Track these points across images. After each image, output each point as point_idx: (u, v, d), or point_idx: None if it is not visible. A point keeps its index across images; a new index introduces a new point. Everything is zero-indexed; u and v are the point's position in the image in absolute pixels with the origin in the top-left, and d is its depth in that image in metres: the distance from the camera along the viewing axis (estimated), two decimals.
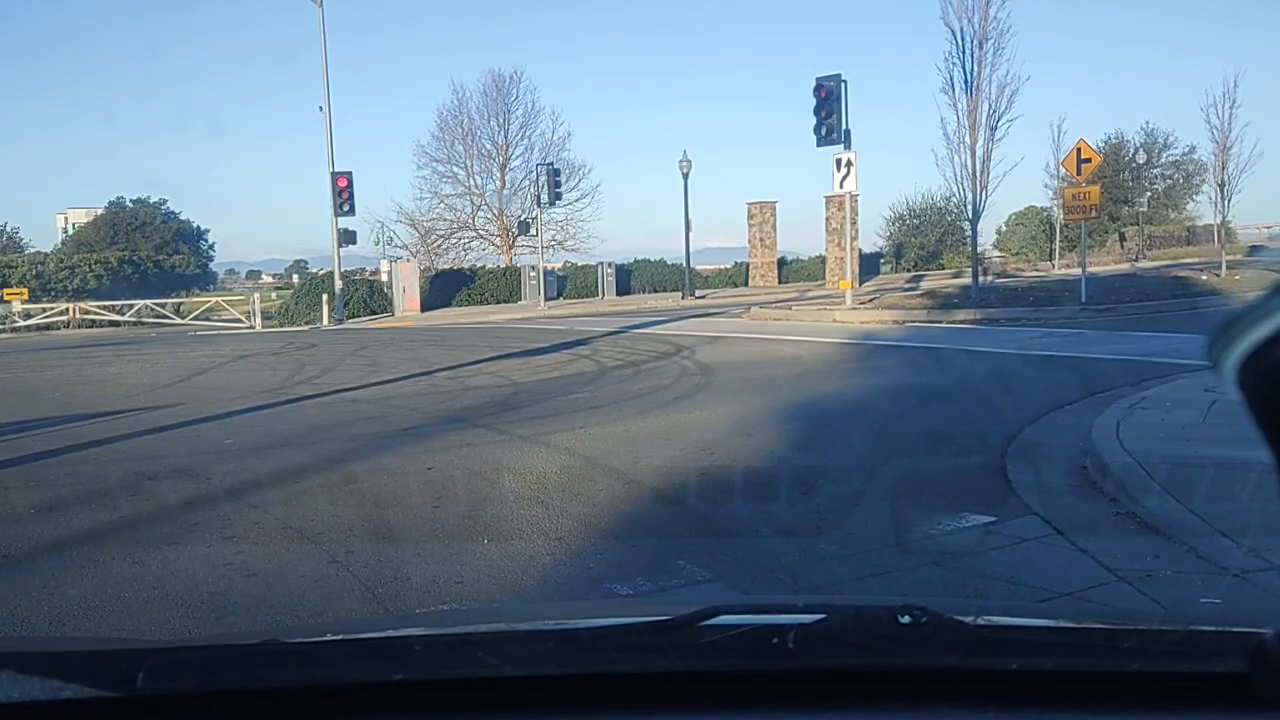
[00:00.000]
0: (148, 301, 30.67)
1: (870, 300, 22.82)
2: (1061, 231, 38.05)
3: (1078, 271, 20.93)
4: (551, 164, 31.43)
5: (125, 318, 29.62)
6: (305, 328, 26.48)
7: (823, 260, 36.59)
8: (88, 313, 29.43)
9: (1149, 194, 47.21)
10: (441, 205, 39.55)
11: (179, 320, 29.92)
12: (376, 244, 31.68)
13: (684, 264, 32.80)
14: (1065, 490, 5.55)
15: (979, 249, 24.56)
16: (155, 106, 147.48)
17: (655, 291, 35.40)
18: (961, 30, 19.21)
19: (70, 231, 60.32)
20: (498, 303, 32.53)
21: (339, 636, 1.50)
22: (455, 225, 39.76)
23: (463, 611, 3.53)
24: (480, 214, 39.89)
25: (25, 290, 30.87)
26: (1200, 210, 49.42)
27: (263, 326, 27.83)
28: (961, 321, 17.89)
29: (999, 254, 45.94)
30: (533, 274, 32.01)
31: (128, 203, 54.25)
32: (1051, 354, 12.33)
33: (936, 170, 44.09)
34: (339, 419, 8.93)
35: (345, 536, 4.88)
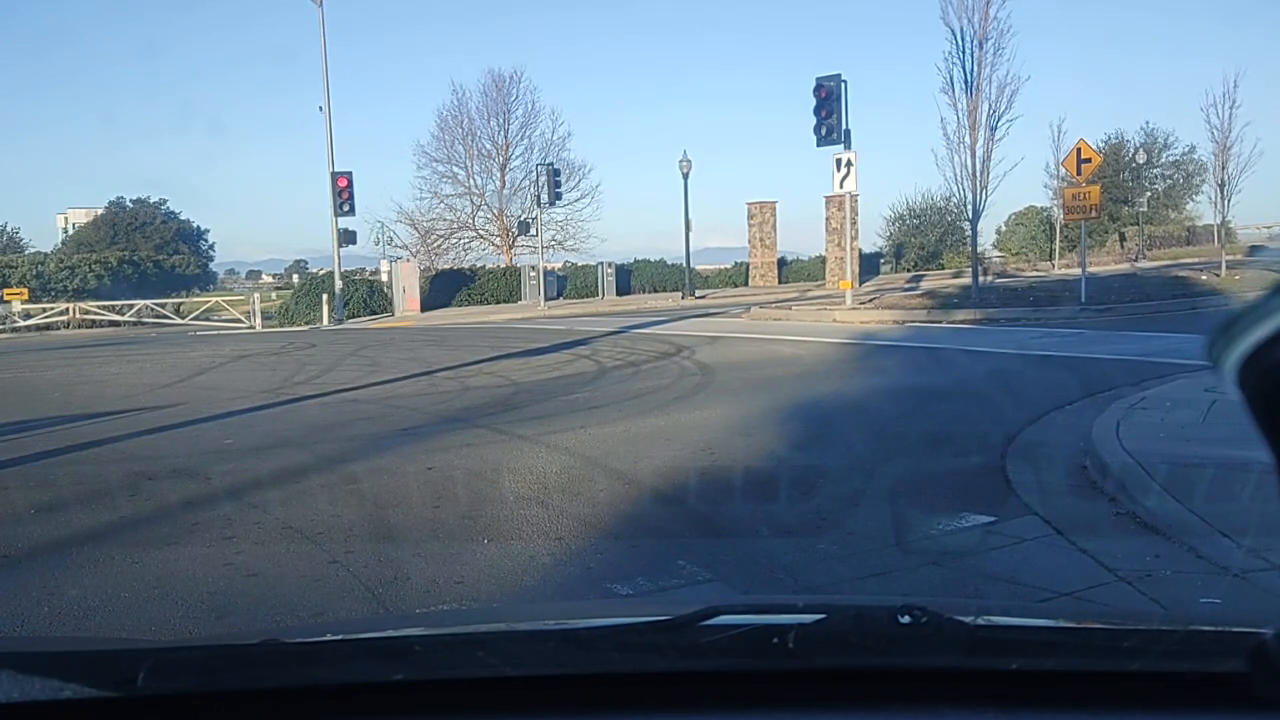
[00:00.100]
0: (148, 301, 30.68)
1: (870, 300, 22.82)
2: (1061, 231, 38.06)
3: (1078, 271, 20.93)
4: (551, 164, 31.44)
5: (125, 318, 29.63)
6: (305, 328, 26.48)
7: (823, 260, 36.59)
8: (88, 313, 29.43)
9: (1149, 194, 47.21)
10: (441, 205, 39.62)
11: (179, 320, 29.93)
12: (376, 244, 31.72)
13: (684, 264, 32.80)
14: (1065, 490, 5.55)
15: (979, 249, 24.56)
16: (155, 106, 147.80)
17: (655, 291, 35.40)
18: (961, 30, 19.24)
19: (70, 231, 60.34)
20: (498, 303, 32.53)
21: (339, 636, 1.50)
22: (455, 225, 39.80)
23: (463, 611, 3.53)
24: (480, 214, 39.96)
25: (25, 290, 30.88)
26: (1200, 210, 49.50)
27: (263, 326, 27.83)
28: (961, 321, 17.89)
29: (999, 254, 45.95)
30: (533, 274, 32.01)
31: (128, 203, 54.26)
32: (1051, 354, 12.33)
33: (936, 170, 44.13)
34: (339, 419, 8.93)
35: (345, 536, 4.88)
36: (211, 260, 54.96)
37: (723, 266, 42.22)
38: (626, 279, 36.30)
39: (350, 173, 27.91)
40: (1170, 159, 49.94)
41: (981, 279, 23.04)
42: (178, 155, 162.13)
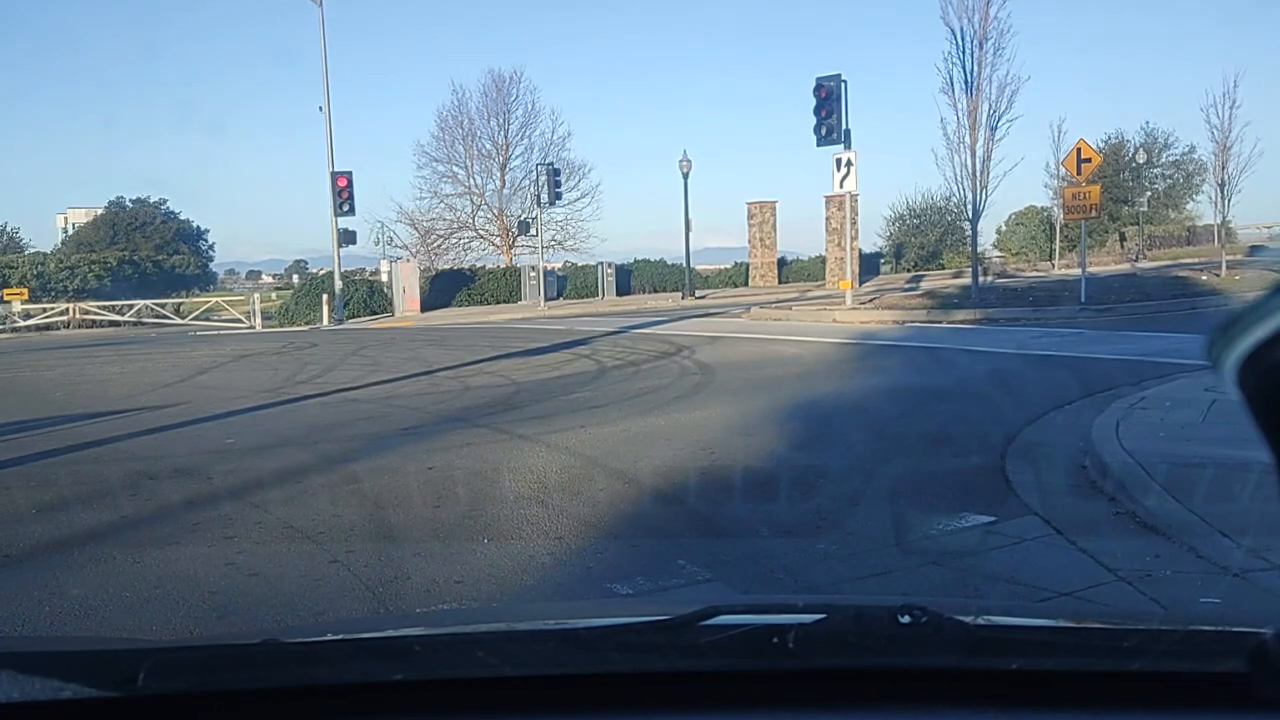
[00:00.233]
0: (148, 301, 30.69)
1: (870, 300, 22.83)
2: (1061, 231, 38.06)
3: (1077, 271, 20.93)
4: (551, 164, 31.44)
5: (125, 318, 29.64)
6: (305, 328, 26.49)
7: (823, 260, 36.58)
8: (88, 313, 29.44)
9: (1149, 194, 47.18)
10: (441, 205, 39.61)
11: (179, 320, 29.93)
12: (376, 244, 31.72)
13: (684, 264, 32.80)
14: (1065, 490, 5.55)
15: (979, 249, 24.57)
16: (155, 106, 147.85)
17: (655, 291, 35.41)
18: (961, 30, 19.24)
19: (70, 231, 60.31)
20: (498, 303, 32.54)
21: (339, 636, 1.50)
22: (455, 225, 39.79)
23: (463, 611, 3.53)
24: (480, 214, 39.94)
25: (25, 290, 30.89)
26: (1200, 210, 49.48)
27: (263, 326, 27.84)
28: (961, 321, 17.89)
29: (999, 254, 45.93)
30: (533, 274, 32.01)
31: (128, 203, 54.24)
32: (1051, 354, 12.32)
33: (936, 170, 44.18)
34: (340, 419, 8.94)
35: (346, 536, 4.88)
36: (211, 260, 54.99)
37: (723, 266, 42.22)
38: (626, 279, 36.30)
39: (350, 173, 27.95)
40: (1170, 159, 49.99)
41: (981, 279, 23.04)
42: (178, 155, 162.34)
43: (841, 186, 20.86)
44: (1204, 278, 24.00)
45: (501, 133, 39.33)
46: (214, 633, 3.63)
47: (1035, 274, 34.41)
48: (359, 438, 7.86)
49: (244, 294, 42.11)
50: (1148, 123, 57.13)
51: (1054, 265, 37.58)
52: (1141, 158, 46.67)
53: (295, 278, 56.55)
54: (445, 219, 39.69)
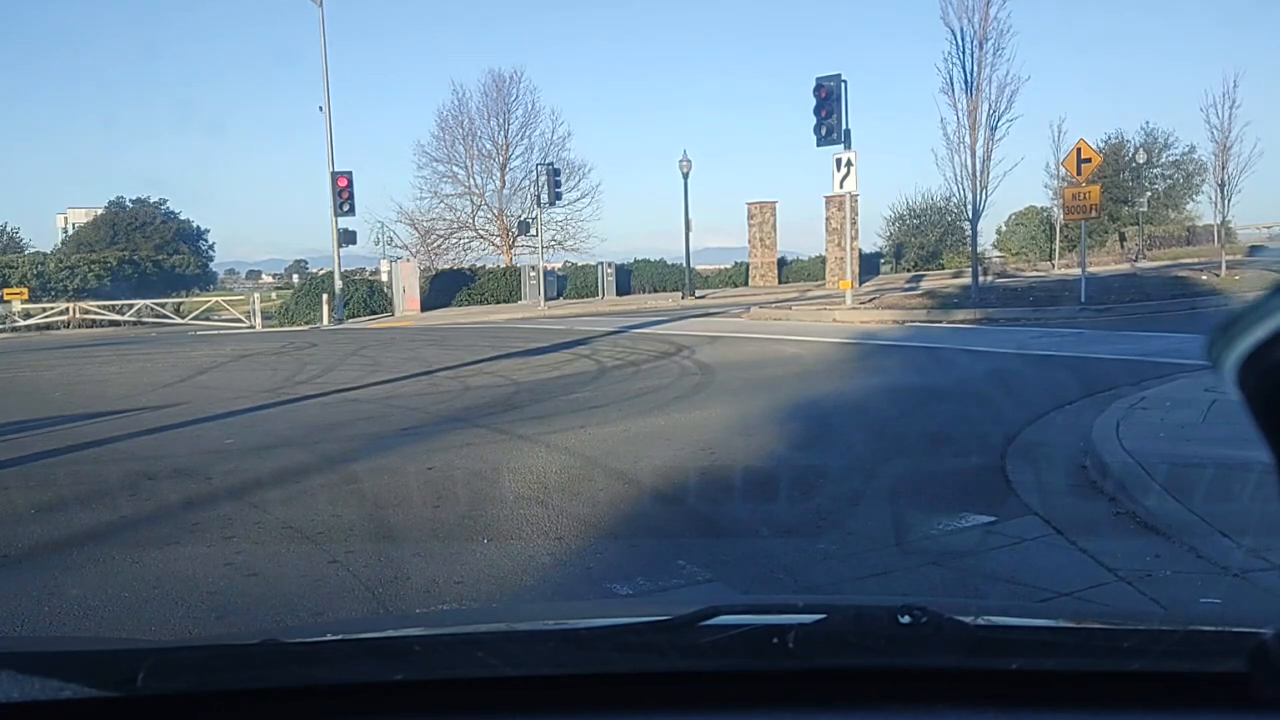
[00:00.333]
0: (148, 301, 30.69)
1: (870, 300, 22.83)
2: (1061, 231, 38.06)
3: (1077, 271, 20.93)
4: (551, 164, 31.45)
5: (125, 318, 29.64)
6: (305, 328, 26.49)
7: (823, 260, 36.59)
8: (88, 312, 29.44)
9: (1149, 194, 47.19)
10: (441, 205, 39.62)
11: (179, 320, 29.93)
12: (376, 244, 31.73)
13: (684, 264, 32.80)
14: (1065, 490, 5.55)
15: (979, 249, 24.57)
16: (155, 107, 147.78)
17: (655, 291, 35.41)
18: (961, 30, 19.24)
19: (70, 231, 60.29)
20: (498, 303, 32.54)
21: (339, 636, 1.50)
22: (455, 225, 39.80)
23: (462, 611, 3.53)
24: (480, 214, 39.95)
25: (25, 290, 30.88)
26: (1200, 210, 49.48)
27: (263, 326, 27.84)
28: (961, 321, 17.89)
29: (999, 254, 45.93)
30: (533, 274, 32.02)
31: (128, 203, 54.24)
32: (1051, 354, 12.32)
33: (936, 170, 44.18)
34: (339, 419, 8.94)
35: (345, 536, 4.88)
36: (211, 260, 54.97)
37: (723, 266, 42.24)
38: (626, 279, 36.31)
39: (350, 173, 27.96)
40: (1170, 159, 49.97)
41: (981, 279, 23.04)
42: (178, 155, 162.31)
43: (841, 186, 20.87)
44: (1204, 278, 24.00)
45: (501, 133, 39.40)
46: (213, 633, 3.63)
47: (1035, 274, 34.41)
48: (358, 438, 7.86)
49: (244, 294, 42.10)
50: (1148, 123, 57.18)
51: (1054, 265, 37.59)
52: (1141, 158, 46.66)
53: (295, 278, 56.55)
54: (445, 219, 39.77)
